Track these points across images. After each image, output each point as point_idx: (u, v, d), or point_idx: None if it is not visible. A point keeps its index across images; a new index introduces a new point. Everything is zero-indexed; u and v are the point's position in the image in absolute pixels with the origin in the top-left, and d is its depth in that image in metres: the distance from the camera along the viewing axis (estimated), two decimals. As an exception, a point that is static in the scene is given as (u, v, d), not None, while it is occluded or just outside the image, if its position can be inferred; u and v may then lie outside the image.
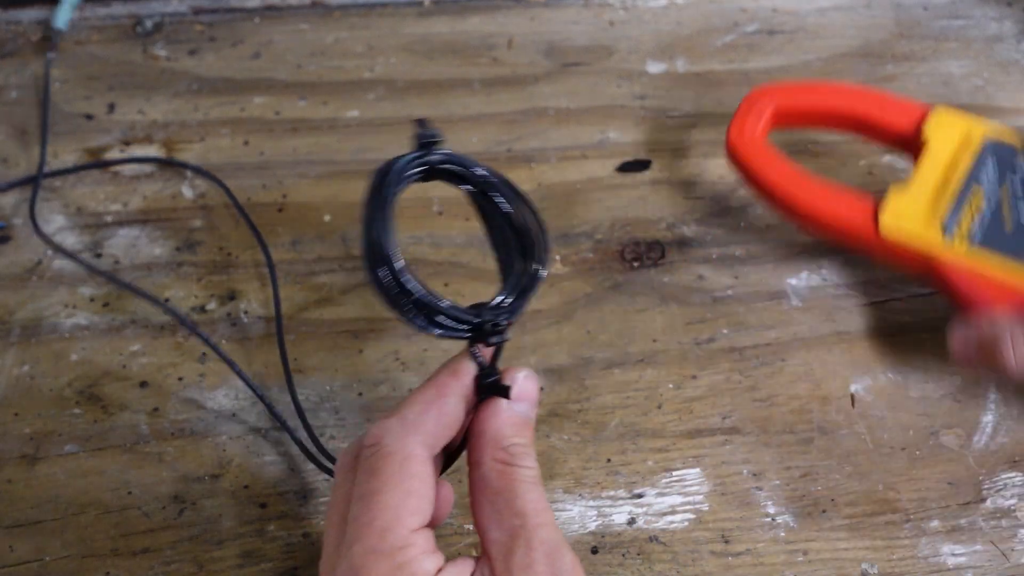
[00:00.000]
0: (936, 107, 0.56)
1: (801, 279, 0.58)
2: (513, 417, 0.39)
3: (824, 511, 0.49)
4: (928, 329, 0.55)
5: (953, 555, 0.48)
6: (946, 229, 0.51)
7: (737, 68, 0.68)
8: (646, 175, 0.63)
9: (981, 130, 0.55)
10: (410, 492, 0.36)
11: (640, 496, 0.50)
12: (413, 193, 0.61)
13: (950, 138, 0.54)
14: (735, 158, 0.57)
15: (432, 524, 0.37)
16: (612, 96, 0.67)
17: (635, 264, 0.59)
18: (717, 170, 0.63)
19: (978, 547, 0.48)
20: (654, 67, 0.68)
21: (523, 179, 0.62)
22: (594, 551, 0.48)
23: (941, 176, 0.53)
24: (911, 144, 0.56)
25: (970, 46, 0.69)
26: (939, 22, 0.71)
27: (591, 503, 0.50)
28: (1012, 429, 0.52)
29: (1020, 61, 0.68)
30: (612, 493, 0.50)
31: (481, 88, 0.67)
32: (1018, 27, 0.70)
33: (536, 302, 0.57)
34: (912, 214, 0.52)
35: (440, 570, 0.35)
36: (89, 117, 0.65)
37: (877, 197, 0.54)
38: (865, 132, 0.58)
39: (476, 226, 0.60)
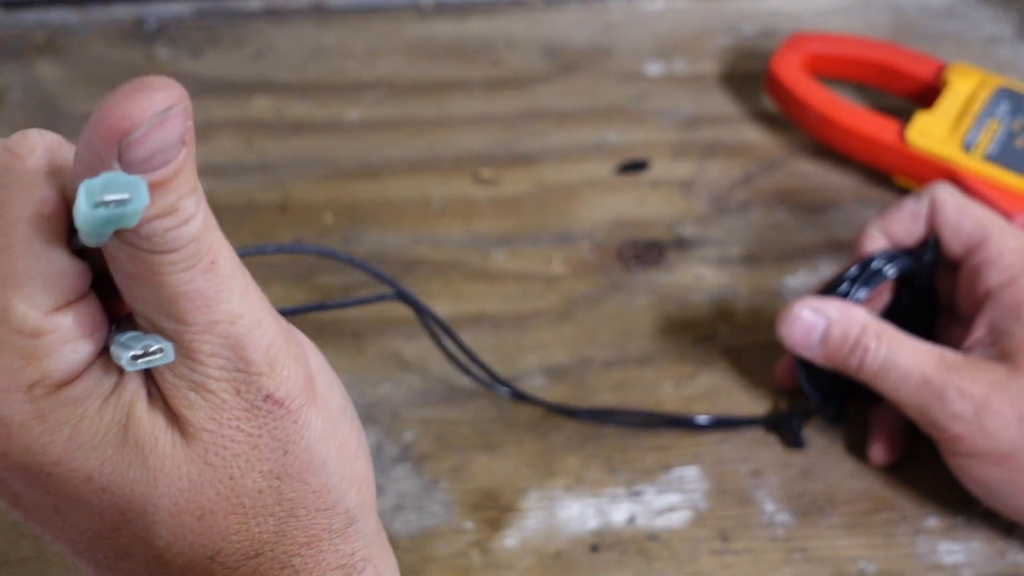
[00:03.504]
0: (955, 62, 0.63)
1: (798, 279, 0.58)
2: None
3: (822, 509, 0.50)
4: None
5: (950, 553, 0.48)
6: (966, 145, 0.59)
7: (735, 70, 0.68)
8: (646, 175, 0.63)
9: (995, 80, 0.61)
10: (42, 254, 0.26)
11: (639, 494, 0.50)
12: (413, 193, 0.62)
13: (968, 82, 0.61)
14: (776, 84, 0.64)
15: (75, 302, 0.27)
16: (611, 97, 0.67)
17: (634, 264, 0.59)
18: (717, 170, 0.63)
19: (974, 544, 0.49)
20: (653, 68, 0.68)
21: (523, 179, 0.63)
22: (593, 549, 0.48)
23: (960, 107, 0.60)
24: (929, 94, 0.63)
25: (967, 48, 0.69)
26: (936, 24, 0.71)
27: (591, 501, 0.50)
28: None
29: (1017, 62, 0.68)
30: (612, 491, 0.50)
31: (481, 89, 0.67)
32: (1015, 28, 0.70)
33: (536, 302, 0.57)
34: (935, 132, 0.60)
35: (90, 365, 0.27)
36: (91, 118, 0.65)
37: (902, 119, 0.61)
38: (888, 82, 0.65)
39: (476, 226, 0.61)
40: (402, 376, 0.54)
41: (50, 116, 0.65)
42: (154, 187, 0.24)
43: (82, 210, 0.23)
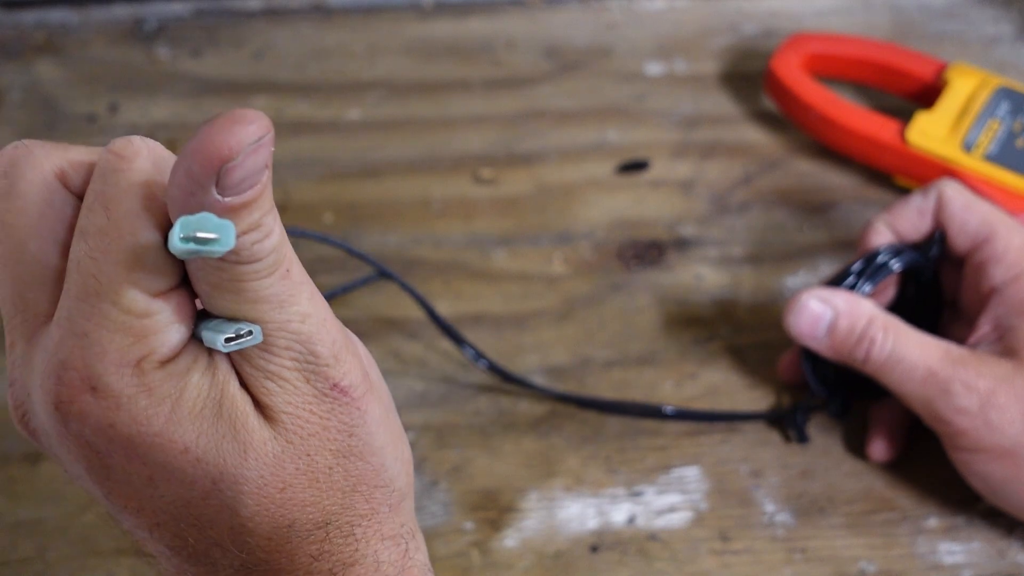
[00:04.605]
0: (955, 62, 0.63)
1: (799, 278, 0.58)
2: None
3: (822, 509, 0.50)
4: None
5: (950, 553, 0.48)
6: (967, 145, 0.59)
7: (735, 70, 0.68)
8: (646, 175, 0.63)
9: (995, 80, 0.61)
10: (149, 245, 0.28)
11: (639, 494, 0.50)
12: (413, 193, 0.62)
13: (969, 82, 0.61)
14: (776, 84, 0.64)
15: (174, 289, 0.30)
16: (611, 97, 0.67)
17: (634, 264, 0.59)
18: (717, 170, 0.63)
19: (975, 545, 0.49)
20: (653, 68, 0.68)
21: (523, 179, 0.63)
22: (594, 549, 0.48)
23: (961, 107, 0.61)
24: (929, 94, 0.63)
25: (967, 48, 0.69)
26: (936, 24, 0.71)
27: (591, 501, 0.50)
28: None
29: (1017, 62, 0.68)
30: (612, 491, 0.50)
31: (481, 89, 0.67)
32: (1015, 29, 0.70)
33: (536, 302, 0.57)
34: (935, 132, 0.60)
35: (186, 345, 0.30)
36: (91, 118, 0.65)
37: (902, 119, 0.61)
38: (889, 81, 0.65)
39: (476, 226, 0.61)
40: (402, 376, 0.54)
41: (50, 116, 0.65)
42: (242, 207, 0.27)
43: (173, 241, 0.26)
